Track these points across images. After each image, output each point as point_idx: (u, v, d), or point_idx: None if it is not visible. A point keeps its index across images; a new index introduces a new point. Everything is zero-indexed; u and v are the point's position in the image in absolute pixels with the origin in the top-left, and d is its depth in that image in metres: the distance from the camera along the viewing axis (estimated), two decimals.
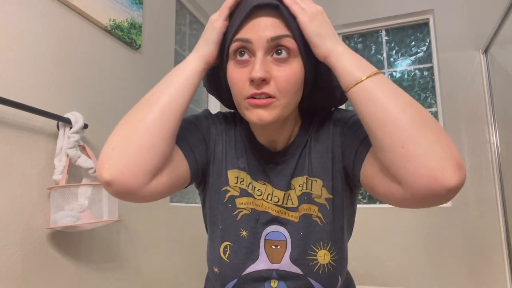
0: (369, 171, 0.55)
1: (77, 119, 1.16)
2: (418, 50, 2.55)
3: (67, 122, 1.15)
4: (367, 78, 0.50)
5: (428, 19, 2.53)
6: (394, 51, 2.61)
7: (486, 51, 2.26)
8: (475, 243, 2.16)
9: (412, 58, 2.56)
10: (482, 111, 2.26)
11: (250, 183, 0.65)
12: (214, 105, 2.46)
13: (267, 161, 0.65)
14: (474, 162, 2.23)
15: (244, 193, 0.65)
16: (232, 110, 0.71)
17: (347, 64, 0.52)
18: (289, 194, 0.63)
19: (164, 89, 0.57)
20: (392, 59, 2.61)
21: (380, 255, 2.32)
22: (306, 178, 0.63)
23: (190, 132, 0.64)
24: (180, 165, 0.60)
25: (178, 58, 2.13)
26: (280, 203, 0.63)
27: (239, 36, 0.56)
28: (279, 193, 0.63)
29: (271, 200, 0.64)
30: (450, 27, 2.40)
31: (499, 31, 2.01)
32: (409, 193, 0.47)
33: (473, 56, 2.32)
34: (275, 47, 0.55)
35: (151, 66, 1.72)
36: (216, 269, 0.64)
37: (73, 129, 1.14)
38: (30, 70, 1.11)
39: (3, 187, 1.01)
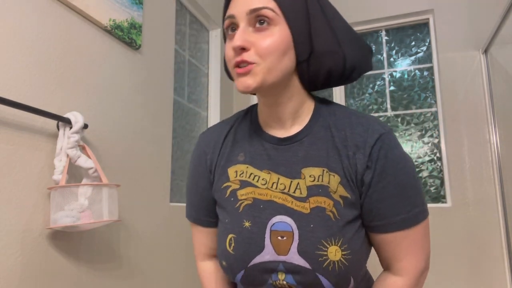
0: (376, 240, 0.65)
1: (77, 119, 1.16)
2: (418, 50, 2.56)
3: (67, 122, 1.15)
4: None
5: (428, 19, 2.53)
6: (394, 51, 2.61)
7: (486, 51, 2.26)
8: (475, 243, 2.16)
9: (412, 58, 2.56)
10: (482, 111, 2.26)
11: (251, 173, 0.65)
12: (214, 103, 2.46)
13: (273, 149, 0.66)
14: (474, 162, 2.23)
15: (244, 184, 0.65)
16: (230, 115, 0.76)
17: None
18: (298, 183, 0.62)
19: None
20: (392, 59, 2.61)
21: None
22: (324, 170, 0.61)
23: (196, 203, 0.74)
24: (213, 233, 0.75)
25: (178, 58, 2.13)
26: (286, 190, 0.62)
27: (227, 14, 0.61)
28: (286, 181, 0.63)
29: (276, 188, 0.63)
30: (450, 27, 2.40)
31: (499, 31, 2.01)
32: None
33: (473, 56, 2.32)
34: (255, 18, 0.58)
35: (151, 66, 1.72)
36: (224, 263, 0.65)
37: (73, 129, 1.14)
38: (30, 70, 1.11)
39: (3, 187, 1.01)
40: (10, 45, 1.05)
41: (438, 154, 2.41)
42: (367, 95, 2.62)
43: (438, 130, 2.42)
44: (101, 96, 1.40)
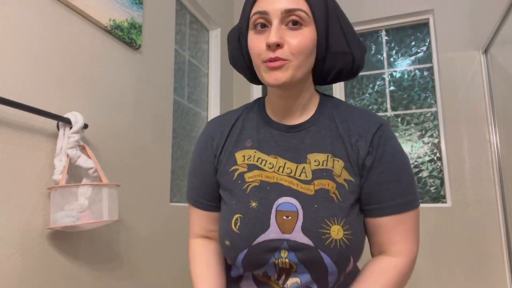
0: (372, 225, 0.69)
1: (77, 119, 1.16)
2: (418, 50, 2.56)
3: (67, 122, 1.15)
4: None
5: (428, 19, 2.53)
6: (394, 51, 2.61)
7: (486, 51, 2.26)
8: (475, 243, 2.16)
9: (412, 58, 2.56)
10: (482, 111, 2.26)
11: (259, 158, 0.70)
12: (214, 103, 2.46)
13: (280, 135, 0.71)
14: (474, 162, 2.23)
15: (252, 167, 0.70)
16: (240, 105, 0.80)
17: None
18: (303, 167, 0.67)
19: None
20: (392, 59, 2.61)
21: None
22: (328, 156, 0.67)
23: (198, 186, 0.78)
24: (214, 216, 0.78)
25: (178, 58, 2.13)
26: (292, 174, 0.67)
27: (256, 9, 0.65)
28: (292, 165, 0.68)
29: (282, 172, 0.68)
30: (450, 27, 2.40)
31: (499, 31, 2.01)
32: None
33: (473, 56, 2.32)
34: (288, 17, 0.63)
35: (151, 66, 1.72)
36: (227, 242, 0.67)
37: (73, 129, 1.14)
38: (30, 70, 1.11)
39: (3, 187, 1.01)
40: (10, 45, 1.05)
41: (438, 154, 2.41)
42: (367, 95, 2.62)
43: (438, 130, 2.42)
44: (101, 96, 1.40)
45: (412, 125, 2.49)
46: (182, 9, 2.20)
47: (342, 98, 2.65)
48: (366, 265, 0.70)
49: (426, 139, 2.44)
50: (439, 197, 2.36)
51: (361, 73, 2.66)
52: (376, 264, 0.68)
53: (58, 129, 1.16)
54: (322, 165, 0.66)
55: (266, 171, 0.68)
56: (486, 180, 2.20)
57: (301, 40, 0.63)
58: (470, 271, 2.15)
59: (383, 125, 0.69)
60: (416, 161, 2.44)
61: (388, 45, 2.63)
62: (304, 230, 0.63)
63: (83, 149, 1.21)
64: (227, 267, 0.78)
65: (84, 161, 1.16)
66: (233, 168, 0.72)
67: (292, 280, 0.65)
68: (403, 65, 2.58)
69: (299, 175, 0.67)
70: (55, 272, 1.14)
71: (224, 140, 0.75)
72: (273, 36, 0.61)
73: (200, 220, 0.79)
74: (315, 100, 0.73)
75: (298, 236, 0.63)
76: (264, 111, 0.75)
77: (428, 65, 2.51)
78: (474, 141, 2.25)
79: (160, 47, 1.80)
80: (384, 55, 2.62)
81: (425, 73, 2.51)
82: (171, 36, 1.91)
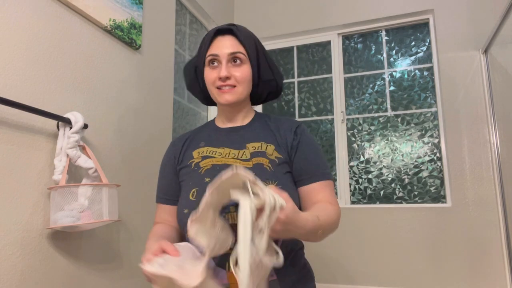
0: (306, 191, 0.91)
1: (77, 119, 1.16)
2: (418, 50, 2.56)
3: (67, 122, 1.15)
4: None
5: (428, 19, 2.53)
6: (394, 51, 2.61)
7: (486, 51, 2.26)
8: (475, 243, 2.16)
9: (412, 58, 2.56)
10: (482, 111, 2.26)
11: (211, 150, 0.94)
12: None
13: (226, 134, 0.97)
14: (474, 162, 2.23)
15: (205, 157, 0.93)
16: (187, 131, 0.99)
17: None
18: (244, 152, 0.91)
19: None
20: (392, 59, 2.61)
21: (380, 255, 2.32)
22: (262, 143, 0.93)
23: (161, 185, 1.01)
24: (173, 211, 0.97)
25: (178, 58, 2.13)
26: (236, 157, 0.91)
27: (210, 52, 0.92)
28: (235, 151, 0.92)
29: (228, 156, 0.91)
30: (450, 27, 2.40)
31: (499, 31, 2.01)
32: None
33: (473, 56, 2.32)
34: (232, 57, 0.91)
35: (151, 66, 1.72)
36: (186, 210, 0.85)
37: (73, 129, 1.14)
38: (30, 70, 1.11)
39: (3, 187, 1.01)
40: (10, 45, 1.05)
41: (438, 154, 2.41)
42: (367, 95, 2.62)
43: (438, 130, 2.42)
44: (101, 96, 1.40)
45: (412, 125, 2.49)
46: (182, 9, 2.20)
47: (342, 98, 2.65)
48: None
49: (426, 139, 2.44)
50: (439, 197, 2.36)
51: (361, 73, 2.66)
52: (319, 204, 0.88)
53: (58, 129, 1.16)
54: (258, 149, 0.92)
55: (216, 158, 0.91)
56: (486, 180, 2.20)
57: (243, 72, 0.91)
58: (470, 271, 2.15)
59: (301, 124, 0.99)
60: (416, 161, 2.44)
61: (388, 45, 2.63)
62: None
63: (83, 149, 1.21)
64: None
65: (84, 161, 1.16)
66: (190, 161, 0.95)
67: None
68: (403, 65, 2.57)
69: (241, 157, 0.90)
70: (55, 272, 1.14)
71: (181, 146, 1.00)
72: (223, 71, 0.89)
73: (163, 213, 0.99)
74: (252, 114, 1.02)
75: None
76: (214, 124, 1.02)
77: (428, 65, 2.51)
78: (474, 141, 2.25)
79: (160, 47, 1.80)
80: (384, 55, 2.62)
81: (425, 73, 2.51)
82: (171, 36, 1.91)
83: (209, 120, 2.47)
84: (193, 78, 1.01)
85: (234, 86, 0.91)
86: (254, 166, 0.87)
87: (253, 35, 0.97)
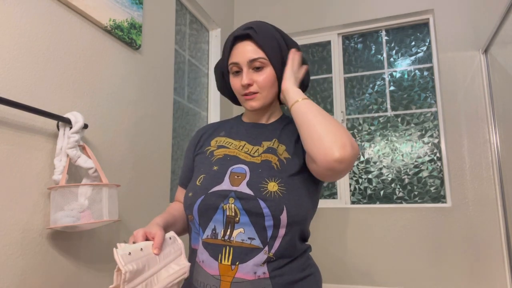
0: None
1: (77, 119, 1.16)
2: (418, 50, 2.56)
3: (67, 122, 1.15)
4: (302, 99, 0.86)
5: (428, 19, 2.53)
6: (394, 51, 2.61)
7: (486, 51, 2.26)
8: (475, 242, 2.16)
9: (412, 58, 2.56)
10: (482, 111, 2.26)
11: (228, 141, 0.97)
12: (214, 103, 2.46)
13: (247, 129, 0.99)
14: (474, 162, 2.23)
15: (220, 147, 0.96)
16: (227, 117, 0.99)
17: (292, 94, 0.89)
18: (257, 149, 0.93)
19: None
20: (392, 59, 2.61)
21: (380, 255, 2.32)
22: (275, 140, 0.94)
23: (182, 167, 1.06)
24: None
25: (178, 58, 2.13)
26: (248, 152, 0.92)
27: (231, 60, 0.93)
28: (249, 146, 0.94)
29: (241, 149, 0.93)
30: (450, 27, 2.40)
31: (499, 31, 2.01)
32: (319, 167, 0.79)
33: (473, 56, 2.32)
34: (253, 63, 0.91)
35: (151, 66, 1.72)
36: (190, 194, 0.88)
37: (73, 129, 1.14)
38: (30, 70, 1.11)
39: (3, 187, 1.01)
40: (10, 45, 1.05)
41: (438, 154, 2.41)
42: (367, 95, 2.62)
43: (438, 130, 2.42)
44: (101, 96, 1.40)
45: (412, 125, 2.49)
46: (182, 9, 2.20)
47: (342, 98, 2.65)
48: None
49: (426, 139, 2.44)
50: (439, 197, 2.36)
51: (361, 73, 2.66)
52: None
53: (58, 129, 1.16)
54: (270, 146, 0.93)
55: (230, 149, 0.94)
56: (486, 180, 2.20)
57: (264, 78, 0.91)
58: (470, 271, 2.15)
59: None
60: (416, 161, 2.44)
61: (388, 45, 2.63)
62: (249, 185, 0.84)
63: (83, 149, 1.21)
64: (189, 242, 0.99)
65: (84, 161, 1.16)
66: (207, 148, 0.98)
67: (237, 232, 0.82)
68: (403, 65, 2.57)
69: (253, 153, 0.92)
70: (55, 272, 1.14)
71: (203, 133, 1.04)
72: (244, 79, 0.90)
73: (178, 193, 1.06)
74: (278, 115, 1.02)
75: (244, 188, 0.84)
76: (240, 118, 1.05)
77: (428, 65, 2.51)
78: (474, 141, 2.25)
79: (160, 47, 1.80)
80: (384, 55, 2.62)
81: (425, 73, 2.51)
82: (171, 36, 1.91)
83: (209, 120, 2.47)
84: (221, 83, 1.03)
85: (256, 93, 0.92)
86: (262, 163, 0.89)
87: (275, 32, 0.94)
